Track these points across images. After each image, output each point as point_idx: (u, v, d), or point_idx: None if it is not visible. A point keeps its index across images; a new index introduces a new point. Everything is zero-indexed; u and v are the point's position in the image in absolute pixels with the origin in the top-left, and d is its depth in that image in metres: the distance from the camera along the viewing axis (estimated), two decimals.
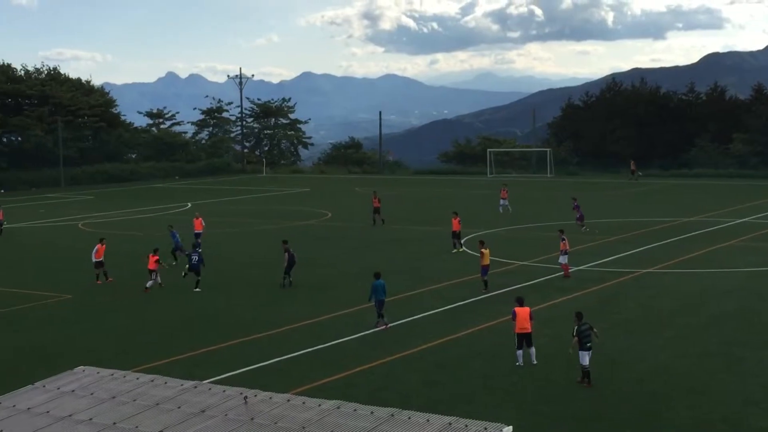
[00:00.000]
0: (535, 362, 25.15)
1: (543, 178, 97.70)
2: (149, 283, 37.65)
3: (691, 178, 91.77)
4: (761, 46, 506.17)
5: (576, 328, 24.00)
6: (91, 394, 13.65)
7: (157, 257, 38.18)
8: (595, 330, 24.31)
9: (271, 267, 42.69)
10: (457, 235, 46.34)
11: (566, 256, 38.46)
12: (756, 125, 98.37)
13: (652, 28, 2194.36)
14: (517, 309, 25.71)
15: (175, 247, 44.45)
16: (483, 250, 36.37)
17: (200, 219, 49.86)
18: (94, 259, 39.94)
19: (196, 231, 48.61)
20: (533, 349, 25.32)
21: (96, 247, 40.15)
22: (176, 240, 44.67)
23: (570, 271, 38.72)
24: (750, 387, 23.04)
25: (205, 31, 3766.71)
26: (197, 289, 37.01)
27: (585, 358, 23.57)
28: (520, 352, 25.32)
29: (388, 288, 30.61)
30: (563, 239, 38.49)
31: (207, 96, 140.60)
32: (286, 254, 37.89)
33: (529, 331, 25.31)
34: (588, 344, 23.73)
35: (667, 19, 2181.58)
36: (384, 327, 29.85)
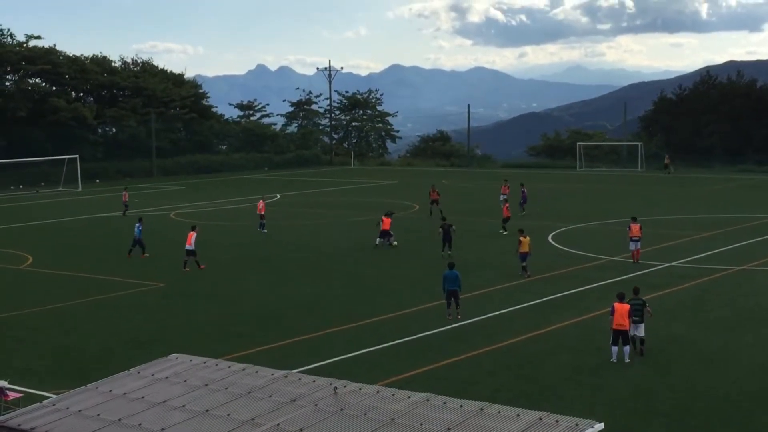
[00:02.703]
0: (627, 360, 24.79)
1: (634, 173, 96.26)
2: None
3: None
4: None
5: (629, 300, 25.58)
6: (185, 381, 13.88)
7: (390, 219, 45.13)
8: (648, 308, 25.80)
9: (359, 257, 42.98)
10: (504, 221, 49.70)
11: (637, 242, 39.68)
12: None
13: (748, 19, 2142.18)
14: (617, 305, 25.32)
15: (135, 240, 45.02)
16: (522, 238, 37.44)
17: (263, 202, 53.33)
18: (186, 247, 40.64)
19: (259, 212, 52.35)
20: (628, 348, 24.92)
21: (190, 235, 40.82)
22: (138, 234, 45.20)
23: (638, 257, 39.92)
24: None
25: (294, 24, 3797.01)
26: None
27: (635, 330, 25.32)
28: (615, 349, 24.96)
29: (473, 281, 30.48)
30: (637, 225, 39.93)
31: (297, 88, 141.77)
32: (441, 230, 42.58)
33: (626, 328, 24.90)
34: (636, 318, 25.21)
35: (764, 10, 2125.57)
36: (449, 317, 29.88)
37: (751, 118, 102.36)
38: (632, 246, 39.87)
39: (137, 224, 45.56)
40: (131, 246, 44.84)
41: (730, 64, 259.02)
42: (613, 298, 26.12)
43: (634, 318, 25.20)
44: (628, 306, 25.23)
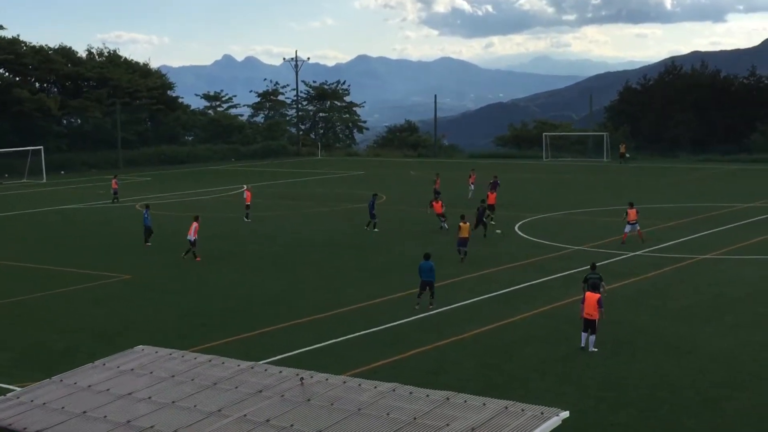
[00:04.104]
0: (592, 349, 24.95)
1: (599, 163, 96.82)
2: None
3: (752, 163, 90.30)
4: None
5: (586, 275, 27.46)
6: (150, 373, 13.81)
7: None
8: (604, 284, 27.13)
9: (329, 249, 42.95)
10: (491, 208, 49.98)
11: (632, 225, 42.01)
12: None
13: (712, 10, 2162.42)
14: (587, 294, 25.65)
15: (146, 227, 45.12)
16: (461, 224, 38.72)
17: (249, 192, 53.77)
18: (188, 237, 40.39)
19: (246, 203, 52.82)
20: (593, 337, 25.11)
21: (193, 226, 40.57)
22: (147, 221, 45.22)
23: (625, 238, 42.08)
24: None
25: (261, 14, 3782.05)
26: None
27: None
28: (584, 335, 25.24)
29: (442, 271, 30.58)
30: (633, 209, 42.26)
31: (264, 79, 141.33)
32: (478, 210, 45.35)
33: (594, 318, 25.12)
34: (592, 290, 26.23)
35: (727, 1, 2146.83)
36: (417, 306, 30.00)
37: (715, 108, 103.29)
38: (627, 229, 42.10)
39: (145, 212, 45.34)
40: (145, 235, 44.84)
41: (695, 55, 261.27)
42: (581, 288, 26.30)
43: (588, 289, 26.43)
44: (597, 296, 25.41)
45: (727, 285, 33.50)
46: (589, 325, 25.11)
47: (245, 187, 55.06)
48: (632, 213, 42.17)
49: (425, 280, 30.09)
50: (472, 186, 62.48)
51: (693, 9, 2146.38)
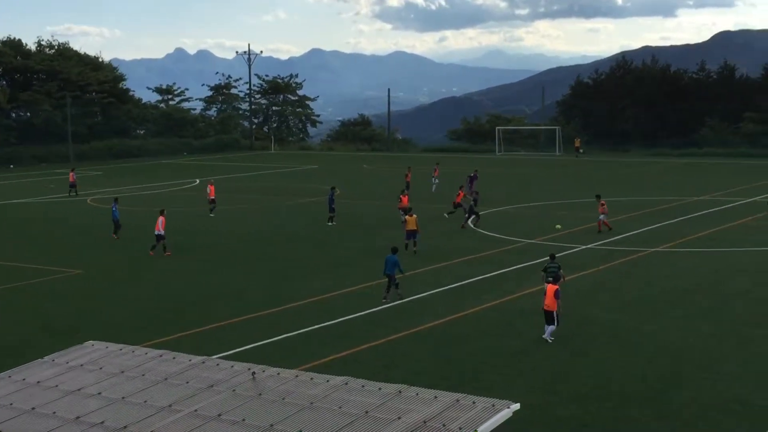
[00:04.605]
0: (549, 340, 25.21)
1: (552, 156, 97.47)
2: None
3: (701, 157, 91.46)
4: None
5: (545, 265, 29.04)
6: (100, 368, 13.70)
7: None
8: (563, 273, 28.74)
9: (284, 243, 42.86)
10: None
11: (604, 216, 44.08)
12: (766, 104, 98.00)
13: (662, 5, 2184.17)
14: (548, 286, 25.95)
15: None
16: (408, 217, 39.87)
17: (213, 186, 53.73)
18: (155, 232, 40.02)
19: (209, 197, 52.66)
20: (551, 327, 25.38)
21: (159, 219, 40.21)
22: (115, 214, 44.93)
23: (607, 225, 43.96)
24: (761, 366, 23.02)
25: (213, 7, 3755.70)
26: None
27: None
28: (550, 328, 25.54)
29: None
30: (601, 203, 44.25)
31: (217, 72, 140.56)
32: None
33: (552, 309, 25.37)
34: (550, 279, 27.62)
35: None
36: (384, 300, 30.20)
37: (665, 102, 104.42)
38: (602, 217, 44.12)
39: (113, 206, 44.85)
40: (116, 228, 44.45)
41: (645, 50, 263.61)
42: (541, 277, 26.61)
43: (548, 279, 27.62)
44: (555, 287, 25.64)
45: (676, 277, 33.90)
46: (547, 316, 25.37)
47: (210, 181, 55.04)
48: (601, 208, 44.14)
49: (387, 274, 30.30)
50: (436, 180, 62.85)
51: (644, 4, 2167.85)
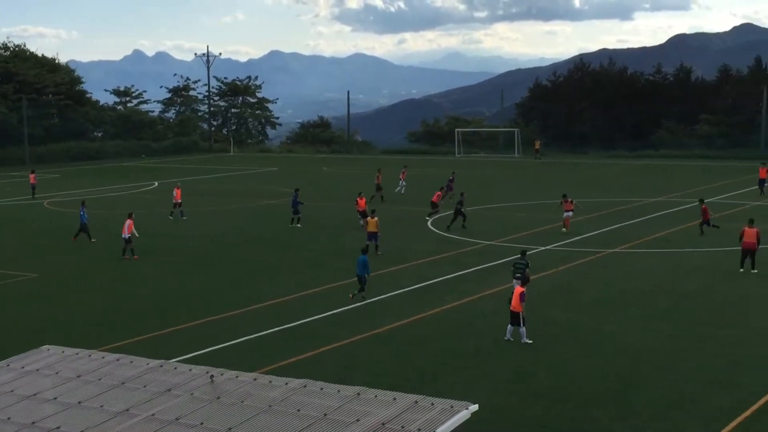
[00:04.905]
0: (511, 339, 25.42)
1: (510, 158, 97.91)
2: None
3: (657, 158, 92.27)
4: (727, 28, 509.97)
5: (514, 261, 30.03)
6: (57, 373, 13.55)
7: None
8: (529, 272, 29.57)
9: (244, 245, 42.66)
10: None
11: (569, 213, 44.87)
12: (722, 107, 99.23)
13: (620, 8, 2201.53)
14: (516, 288, 26.10)
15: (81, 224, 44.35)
16: (369, 218, 40.25)
17: (179, 189, 53.20)
18: (122, 235, 39.61)
19: (175, 200, 52.10)
20: (522, 329, 25.54)
21: (126, 223, 39.81)
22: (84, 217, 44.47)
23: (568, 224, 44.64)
24: (715, 366, 23.27)
25: (172, 9, 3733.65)
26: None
27: (516, 285, 27.31)
28: (510, 328, 25.62)
29: (354, 267, 30.81)
30: (568, 201, 45.11)
31: (175, 74, 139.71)
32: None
33: (517, 311, 25.47)
34: (517, 275, 28.71)
35: (635, 0, 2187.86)
36: (360, 299, 30.43)
37: (622, 105, 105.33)
38: (566, 215, 44.85)
39: (81, 209, 44.38)
40: (79, 231, 43.98)
41: (603, 52, 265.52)
42: (493, 283, 26.65)
43: (516, 275, 28.75)
44: (520, 289, 25.74)
45: (633, 278, 34.17)
46: (514, 318, 25.47)
47: (177, 184, 54.64)
48: (567, 204, 44.96)
49: (357, 274, 30.64)
50: (404, 182, 62.95)
51: (601, 7, 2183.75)
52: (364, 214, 46.78)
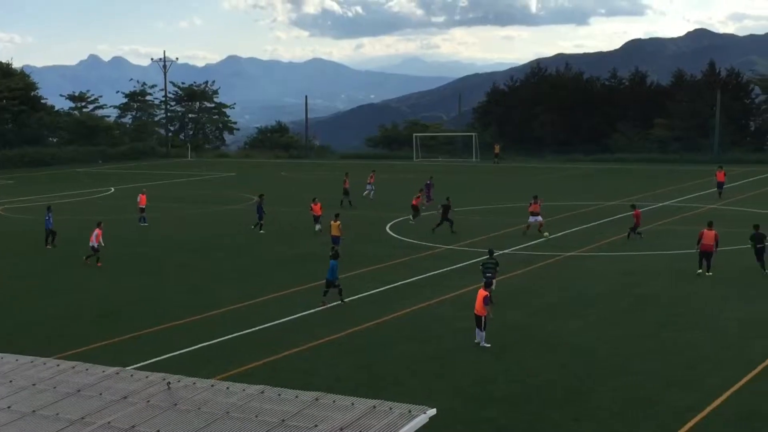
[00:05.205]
0: (483, 345, 25.46)
1: (469, 163, 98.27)
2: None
3: (614, 162, 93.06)
4: (682, 33, 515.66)
5: (483, 261, 31.11)
6: (10, 381, 13.36)
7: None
8: (496, 270, 30.57)
9: (203, 251, 42.46)
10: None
11: (537, 217, 44.50)
12: (676, 110, 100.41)
13: (576, 13, 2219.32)
14: (479, 291, 26.15)
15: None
16: (332, 222, 40.49)
17: (144, 195, 53.12)
18: (90, 243, 39.17)
19: (140, 206, 51.96)
20: (480, 333, 25.64)
21: (95, 232, 39.37)
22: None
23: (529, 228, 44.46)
24: (672, 368, 23.49)
25: (127, 14, 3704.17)
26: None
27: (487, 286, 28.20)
28: (477, 332, 25.70)
29: (315, 271, 30.82)
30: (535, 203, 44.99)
31: (131, 79, 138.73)
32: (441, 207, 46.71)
33: (481, 314, 25.55)
34: (488, 273, 29.88)
35: (590, 5, 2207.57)
36: (321, 305, 30.36)
37: (578, 109, 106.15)
38: (531, 219, 44.46)
39: (47, 214, 43.94)
40: (49, 237, 43.50)
41: (559, 57, 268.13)
42: (452, 287, 26.75)
43: (486, 274, 29.88)
44: (484, 293, 25.79)
45: (590, 281, 34.43)
46: (478, 321, 25.57)
47: (143, 190, 54.53)
48: (535, 206, 44.64)
49: (327, 278, 30.71)
50: (371, 186, 63.05)
51: (557, 12, 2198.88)
52: (318, 219, 46.78)
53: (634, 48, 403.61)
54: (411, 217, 50.46)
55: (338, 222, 39.88)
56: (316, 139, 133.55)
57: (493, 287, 29.52)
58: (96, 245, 39.01)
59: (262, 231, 47.35)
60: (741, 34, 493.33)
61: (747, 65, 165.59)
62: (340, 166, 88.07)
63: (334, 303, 30.69)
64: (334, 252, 32.26)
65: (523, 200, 58.53)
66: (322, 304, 30.51)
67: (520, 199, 59.06)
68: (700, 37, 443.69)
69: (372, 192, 62.60)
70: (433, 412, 11.30)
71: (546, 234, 44.05)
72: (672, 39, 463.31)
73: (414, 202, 51.22)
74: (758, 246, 35.21)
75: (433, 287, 33.39)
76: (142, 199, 52.53)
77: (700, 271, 35.06)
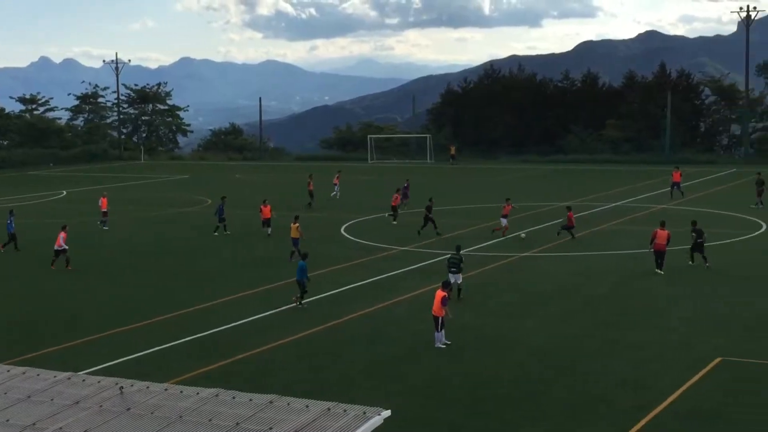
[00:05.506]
0: (437, 345, 25.52)
1: (423, 164, 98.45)
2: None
3: (567, 163, 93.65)
4: (632, 35, 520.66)
5: (449, 256, 31.76)
6: None
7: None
8: (462, 265, 31.11)
9: (153, 255, 42.14)
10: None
11: (505, 218, 44.87)
12: (628, 112, 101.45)
13: (528, 15, 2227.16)
14: (437, 292, 26.13)
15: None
16: (291, 224, 40.16)
17: (105, 198, 52.52)
18: (55, 247, 38.72)
19: (102, 209, 51.56)
20: (438, 334, 25.72)
21: (60, 235, 38.90)
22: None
23: (500, 230, 44.85)
24: (623, 367, 23.72)
25: (78, 15, 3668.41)
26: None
27: (456, 279, 30.37)
28: (435, 334, 25.74)
29: (270, 273, 30.77)
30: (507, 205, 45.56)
31: (83, 81, 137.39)
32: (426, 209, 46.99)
33: (439, 315, 25.61)
34: (453, 269, 30.75)
35: (542, 7, 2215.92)
36: (294, 302, 30.63)
37: (532, 110, 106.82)
38: (503, 222, 44.85)
39: (9, 218, 43.32)
40: (8, 240, 43.07)
41: (513, 59, 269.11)
42: (407, 288, 26.79)
43: (452, 269, 30.86)
44: (441, 294, 25.80)
45: (543, 281, 34.65)
46: (435, 322, 25.69)
47: (103, 193, 54.00)
48: (507, 208, 45.32)
49: (296, 279, 30.75)
50: (338, 187, 63.10)
51: (510, 14, 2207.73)
52: (268, 222, 46.62)
53: (586, 50, 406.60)
54: (393, 218, 50.60)
55: (297, 224, 39.78)
56: (270, 141, 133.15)
57: (460, 282, 30.74)
58: (63, 248, 38.65)
59: (227, 232, 47.10)
60: (691, 36, 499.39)
61: (697, 67, 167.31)
62: (293, 168, 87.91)
63: (291, 305, 30.61)
64: (303, 253, 32.29)
65: (481, 201, 58.92)
66: (300, 305, 30.46)
67: (477, 200, 59.36)
68: (651, 38, 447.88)
69: (338, 193, 62.80)
70: (387, 413, 11.32)
71: (522, 235, 44.58)
72: (623, 41, 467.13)
73: (393, 203, 51.39)
74: (698, 240, 36.06)
75: (390, 288, 33.43)
76: (103, 203, 51.94)
77: (658, 270, 35.43)
